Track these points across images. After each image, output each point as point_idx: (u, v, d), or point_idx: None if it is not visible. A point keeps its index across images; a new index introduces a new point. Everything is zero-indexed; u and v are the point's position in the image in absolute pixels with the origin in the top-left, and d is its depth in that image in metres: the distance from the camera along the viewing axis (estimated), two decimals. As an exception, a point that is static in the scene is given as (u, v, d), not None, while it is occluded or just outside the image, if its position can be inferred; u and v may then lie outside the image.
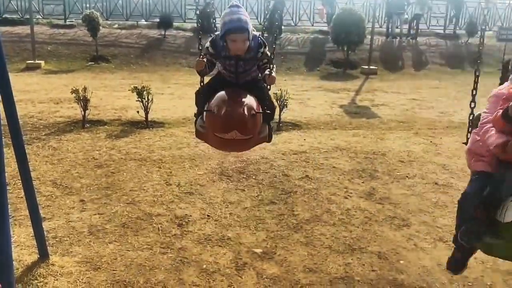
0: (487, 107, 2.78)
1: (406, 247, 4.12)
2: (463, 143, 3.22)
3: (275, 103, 7.08)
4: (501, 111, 2.48)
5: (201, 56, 3.05)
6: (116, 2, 18.05)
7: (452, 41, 18.00)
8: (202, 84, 3.16)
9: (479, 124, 2.82)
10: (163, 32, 16.34)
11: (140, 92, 7.29)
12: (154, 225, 4.32)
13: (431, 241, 4.23)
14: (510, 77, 2.82)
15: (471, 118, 3.20)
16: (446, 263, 3.06)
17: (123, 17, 17.74)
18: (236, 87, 3.03)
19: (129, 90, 7.53)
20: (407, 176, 5.67)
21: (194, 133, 3.17)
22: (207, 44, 3.09)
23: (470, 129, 3.15)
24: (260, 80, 3.13)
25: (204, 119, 2.97)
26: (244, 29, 2.92)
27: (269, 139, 3.27)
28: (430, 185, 5.42)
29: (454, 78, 14.30)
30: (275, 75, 3.00)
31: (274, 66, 3.07)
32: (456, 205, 2.79)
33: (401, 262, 3.88)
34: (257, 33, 3.09)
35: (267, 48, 3.09)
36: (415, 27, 17.91)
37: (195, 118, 3.15)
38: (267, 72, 2.99)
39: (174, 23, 16.93)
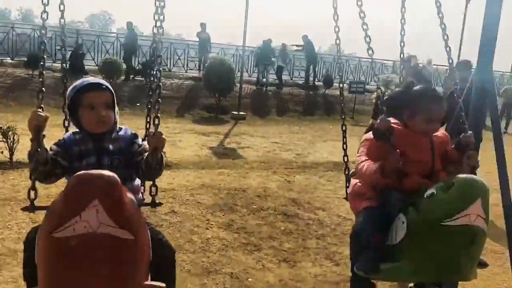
0: (359, 151, 2.84)
1: (255, 267, 4.79)
2: (343, 198, 3.42)
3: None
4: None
5: (41, 108, 2.31)
6: (-22, 38, 17.19)
7: (311, 91, 20.18)
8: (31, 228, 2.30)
9: (355, 168, 2.93)
10: (31, 72, 15.85)
11: (5, 133, 7.22)
12: (19, 260, 4.43)
13: (276, 262, 4.95)
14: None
15: (346, 173, 3.39)
16: None
17: (-15, 55, 16.91)
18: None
19: (-7, 130, 7.40)
20: (262, 209, 6.45)
21: None
22: (51, 145, 2.42)
23: (347, 183, 3.30)
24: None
25: None
26: (103, 85, 2.41)
27: None
28: (280, 216, 6.24)
29: (311, 123, 16.17)
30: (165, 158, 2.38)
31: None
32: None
33: (250, 280, 4.52)
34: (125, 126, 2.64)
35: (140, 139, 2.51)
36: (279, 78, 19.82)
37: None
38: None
39: (43, 63, 16.54)
